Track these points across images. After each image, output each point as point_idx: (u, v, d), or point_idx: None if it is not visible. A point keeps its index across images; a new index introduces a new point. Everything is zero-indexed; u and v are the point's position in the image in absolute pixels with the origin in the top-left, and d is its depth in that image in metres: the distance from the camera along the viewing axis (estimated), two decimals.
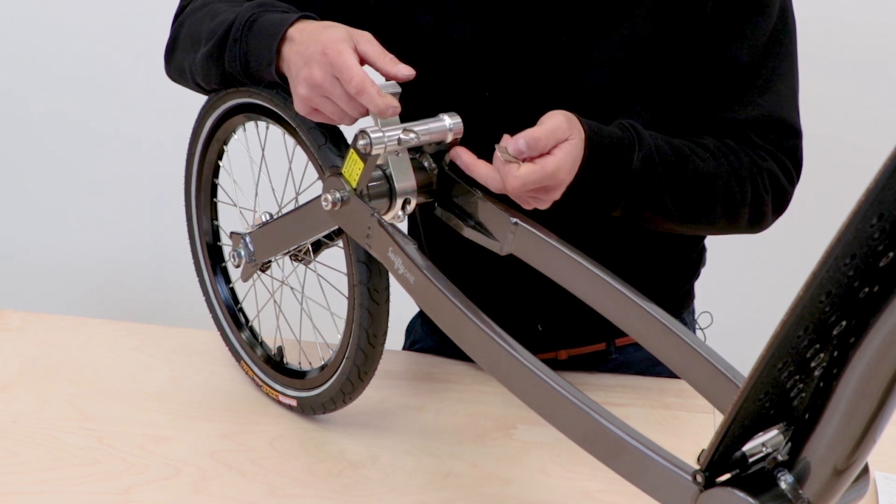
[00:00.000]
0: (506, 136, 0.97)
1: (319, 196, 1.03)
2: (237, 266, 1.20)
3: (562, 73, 1.11)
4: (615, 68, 1.11)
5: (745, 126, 1.12)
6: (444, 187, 1.03)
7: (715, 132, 1.12)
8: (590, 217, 1.09)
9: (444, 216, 1.04)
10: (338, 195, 1.01)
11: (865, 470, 0.72)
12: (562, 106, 1.05)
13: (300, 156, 1.10)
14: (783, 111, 1.13)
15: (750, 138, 1.12)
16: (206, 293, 1.30)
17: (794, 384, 0.68)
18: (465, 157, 0.99)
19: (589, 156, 1.00)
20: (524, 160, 0.95)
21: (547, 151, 0.96)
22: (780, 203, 1.14)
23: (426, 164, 1.03)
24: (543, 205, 0.99)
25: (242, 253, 1.18)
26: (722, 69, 1.11)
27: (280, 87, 1.06)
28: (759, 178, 1.11)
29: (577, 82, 1.11)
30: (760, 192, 1.11)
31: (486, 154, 0.97)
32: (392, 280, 1.02)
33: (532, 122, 1.13)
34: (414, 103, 1.01)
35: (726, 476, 0.70)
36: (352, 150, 0.98)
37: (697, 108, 1.14)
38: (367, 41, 0.98)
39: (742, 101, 1.12)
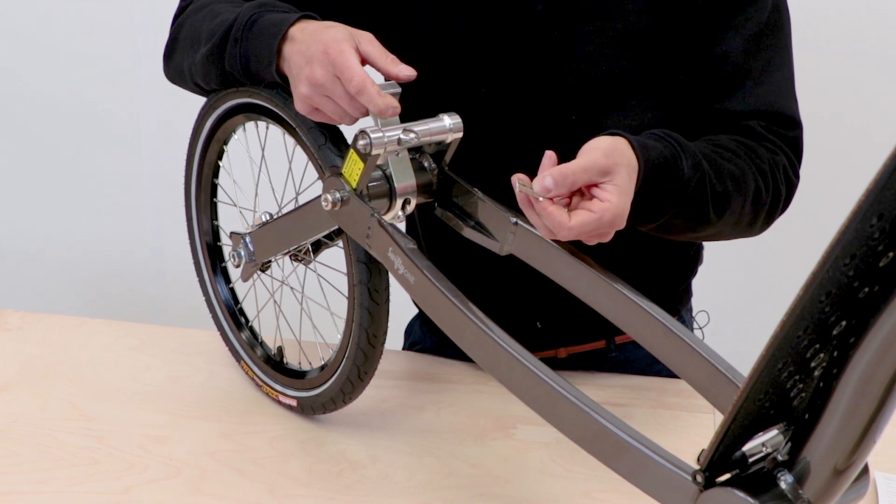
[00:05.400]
0: (521, 176, 0.91)
1: (319, 196, 1.03)
2: (237, 266, 1.21)
3: (556, 68, 1.11)
4: (609, 63, 1.11)
5: (744, 116, 1.11)
6: (443, 187, 1.03)
7: (714, 125, 1.12)
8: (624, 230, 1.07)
9: (444, 216, 1.04)
10: (338, 195, 1.01)
11: (865, 470, 0.72)
12: (557, 101, 1.04)
13: (300, 156, 1.10)
14: (781, 102, 1.12)
15: (752, 129, 1.11)
16: (205, 293, 1.30)
17: (794, 384, 0.68)
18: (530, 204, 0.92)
19: (644, 181, 0.96)
20: (558, 198, 0.90)
21: (591, 187, 0.90)
22: (789, 197, 1.14)
23: (426, 164, 1.03)
24: (593, 243, 0.95)
25: (242, 253, 1.18)
26: (716, 60, 1.11)
27: (280, 87, 1.06)
28: (777, 173, 1.10)
29: (571, 77, 1.11)
30: (779, 187, 1.10)
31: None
32: (392, 280, 1.02)
33: (528, 119, 1.13)
34: (412, 102, 1.01)
35: (726, 476, 0.70)
36: (352, 151, 0.98)
37: (694, 101, 1.13)
38: (368, 41, 0.98)
39: (739, 93, 1.11)
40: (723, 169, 1.05)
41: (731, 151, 1.08)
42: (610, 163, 0.91)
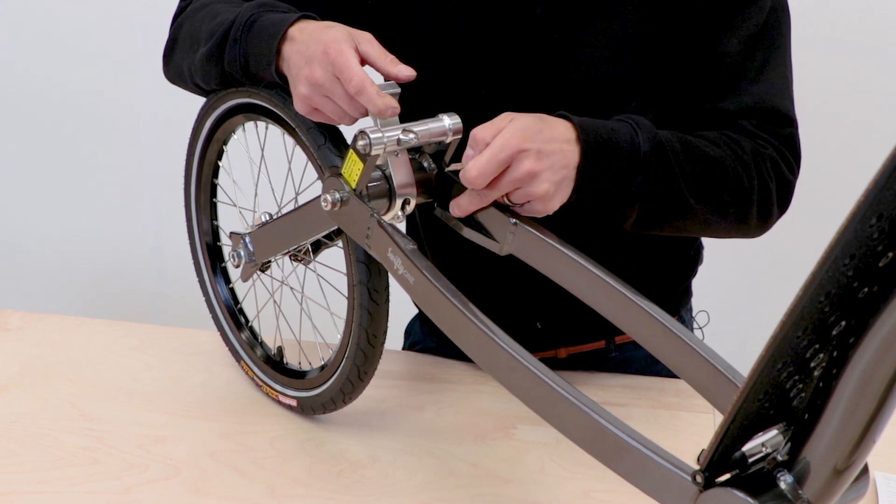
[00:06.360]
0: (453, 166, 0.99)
1: (319, 196, 1.03)
2: (237, 266, 1.21)
3: (556, 69, 1.11)
4: (609, 64, 1.11)
5: (737, 115, 1.11)
6: (443, 187, 1.03)
7: (709, 124, 1.12)
8: (603, 224, 1.07)
9: (444, 216, 1.03)
10: (337, 195, 1.01)
11: (865, 470, 0.72)
12: (556, 102, 1.04)
13: (300, 156, 1.10)
14: (775, 100, 1.12)
15: (744, 127, 1.11)
16: (205, 293, 1.30)
17: (794, 384, 0.68)
18: (454, 203, 0.99)
19: (585, 145, 0.98)
20: None
21: None
22: (784, 194, 1.13)
23: (425, 164, 1.02)
24: (537, 199, 0.96)
25: (242, 253, 1.18)
26: (713, 61, 1.11)
27: (279, 87, 1.06)
28: (762, 166, 1.10)
29: (571, 79, 1.11)
30: (765, 180, 1.10)
31: None
32: (392, 280, 1.02)
33: None
34: (412, 102, 1.01)
35: (726, 476, 0.70)
36: (351, 151, 0.98)
37: (690, 101, 1.14)
38: (367, 41, 0.98)
39: (734, 92, 1.11)
40: (694, 152, 1.05)
41: (710, 140, 1.08)
42: (515, 115, 0.97)
